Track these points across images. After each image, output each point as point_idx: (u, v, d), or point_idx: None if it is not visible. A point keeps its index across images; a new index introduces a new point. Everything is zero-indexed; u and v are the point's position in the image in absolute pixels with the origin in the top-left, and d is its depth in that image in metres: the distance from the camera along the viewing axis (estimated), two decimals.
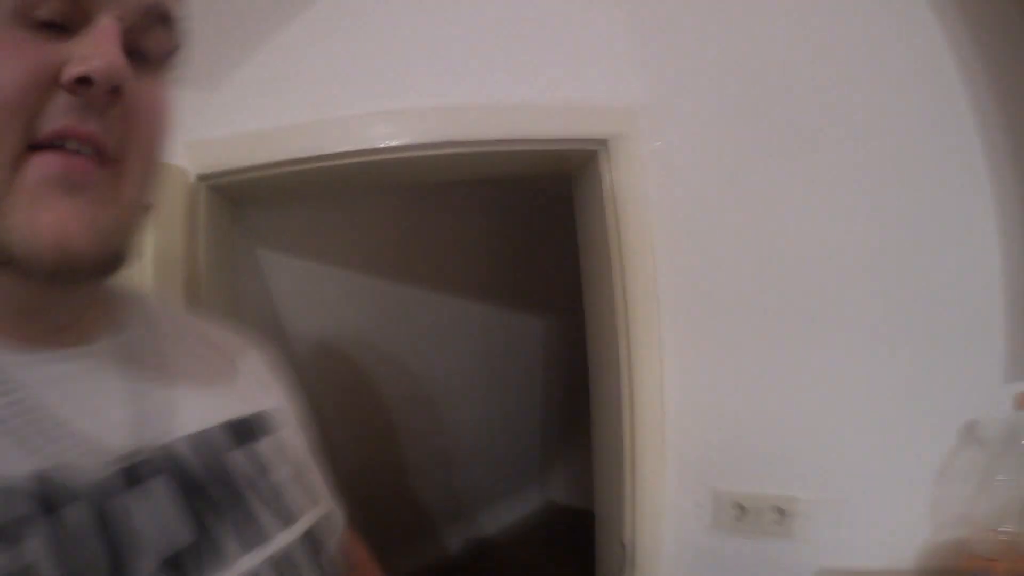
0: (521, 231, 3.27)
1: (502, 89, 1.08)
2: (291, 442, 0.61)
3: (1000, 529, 1.04)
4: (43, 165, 0.39)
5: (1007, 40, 1.05)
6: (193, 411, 0.52)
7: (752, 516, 1.24)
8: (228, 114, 0.94)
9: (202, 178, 0.97)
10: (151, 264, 0.91)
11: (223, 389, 0.58)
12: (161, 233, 0.91)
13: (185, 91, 0.87)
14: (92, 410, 0.45)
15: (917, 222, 1.13)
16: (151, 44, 0.45)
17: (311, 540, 0.54)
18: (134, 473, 0.44)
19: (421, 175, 1.34)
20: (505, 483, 3.56)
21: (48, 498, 0.38)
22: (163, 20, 0.45)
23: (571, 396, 3.37)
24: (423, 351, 2.92)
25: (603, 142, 1.20)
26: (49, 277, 0.40)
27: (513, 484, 3.63)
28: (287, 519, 0.52)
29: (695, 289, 1.22)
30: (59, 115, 0.39)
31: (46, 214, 0.38)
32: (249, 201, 1.09)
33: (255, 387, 0.62)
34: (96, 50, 0.39)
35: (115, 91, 0.40)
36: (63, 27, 0.40)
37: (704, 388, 1.24)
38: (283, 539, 0.51)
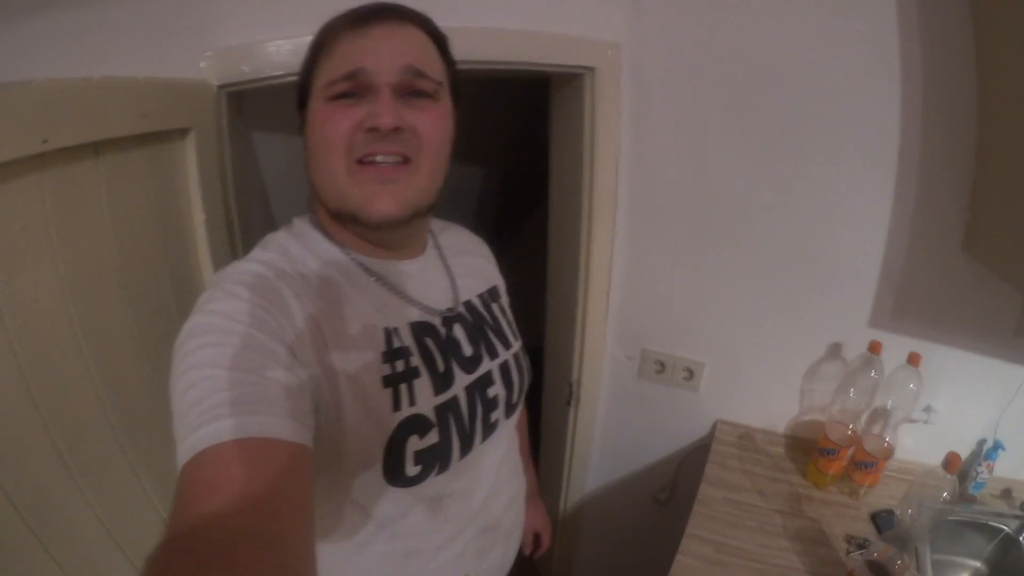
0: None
1: (504, 16, 1.19)
2: (505, 303, 0.99)
3: (849, 425, 1.30)
4: (364, 172, 0.70)
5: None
6: (468, 287, 0.89)
7: (669, 371, 1.55)
8: (246, 24, 1.05)
9: (223, 87, 1.07)
10: (195, 167, 1.03)
11: (478, 273, 0.95)
12: (199, 140, 1.02)
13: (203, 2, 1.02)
14: (424, 289, 0.81)
15: (825, 189, 1.25)
16: (420, 87, 0.71)
17: (516, 358, 0.91)
18: (449, 320, 0.82)
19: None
20: None
21: (418, 333, 0.76)
22: (418, 74, 0.70)
23: (497, 234, 3.46)
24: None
25: (590, 69, 1.31)
26: (376, 227, 0.71)
27: None
28: (506, 344, 0.89)
29: (647, 198, 1.41)
30: (366, 144, 0.69)
31: (369, 195, 0.70)
32: (252, 96, 1.18)
33: (490, 269, 1.00)
34: (377, 109, 0.68)
35: (395, 129, 0.68)
36: (355, 95, 0.69)
37: (643, 271, 1.49)
38: (504, 355, 0.88)
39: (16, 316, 0.69)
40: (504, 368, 0.87)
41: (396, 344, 0.73)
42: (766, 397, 1.49)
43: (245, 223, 1.22)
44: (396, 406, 0.70)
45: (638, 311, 1.55)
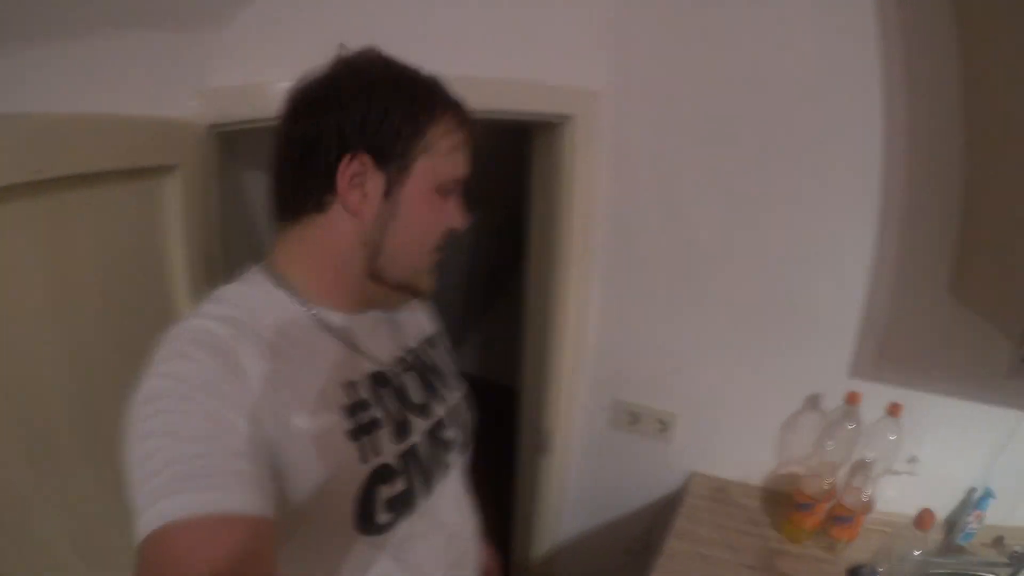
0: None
1: (482, 64, 1.23)
2: (444, 350, 1.02)
3: (825, 479, 1.30)
4: (436, 257, 0.80)
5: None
6: (411, 336, 0.93)
7: (642, 423, 1.56)
8: (237, 64, 1.08)
9: (213, 126, 1.09)
10: (180, 204, 1.06)
11: (416, 321, 0.98)
12: (186, 178, 1.05)
13: (195, 36, 1.01)
14: (375, 341, 0.83)
15: (805, 237, 1.29)
16: None
17: (463, 400, 0.95)
18: (400, 369, 0.84)
19: None
20: None
21: (375, 384, 0.78)
22: None
23: (491, 277, 3.59)
24: None
25: (568, 117, 1.37)
26: (417, 298, 0.84)
27: None
28: (452, 388, 0.94)
29: (624, 245, 1.45)
30: (444, 238, 0.79)
31: (430, 280, 0.81)
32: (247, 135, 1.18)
33: (423, 317, 1.02)
34: (460, 216, 0.79)
35: None
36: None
37: (618, 320, 1.52)
38: (452, 399, 0.92)
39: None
40: (454, 412, 0.91)
41: (356, 397, 0.75)
42: (742, 449, 1.50)
43: (230, 262, 1.23)
44: (363, 458, 0.71)
45: (612, 360, 1.57)
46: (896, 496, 1.32)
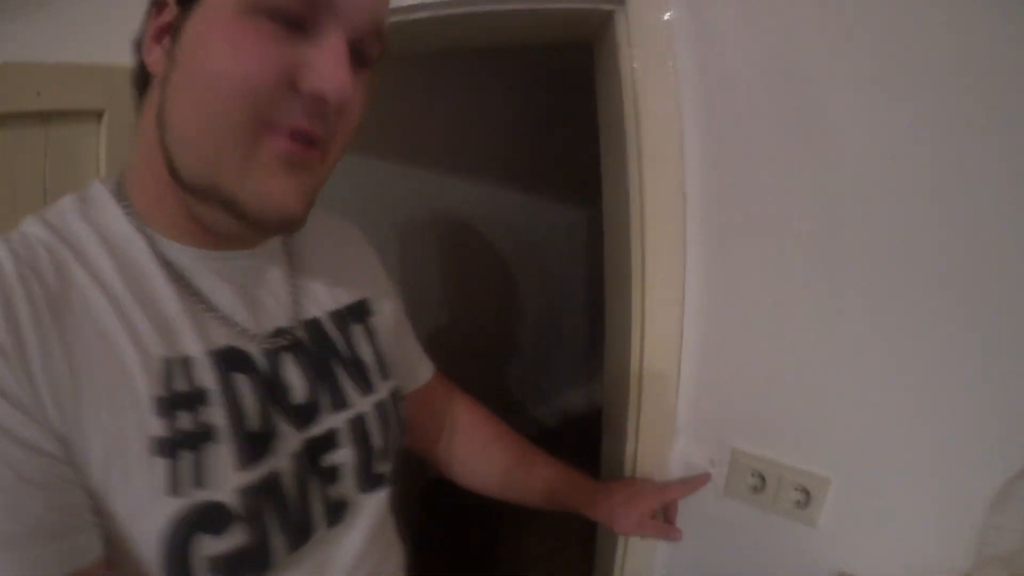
0: (547, 111, 2.89)
1: None
2: (380, 326, 0.74)
3: None
4: (276, 146, 0.49)
5: None
6: (318, 298, 0.67)
7: (772, 489, 1.06)
8: None
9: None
10: (105, 149, 1.03)
11: (337, 280, 0.71)
12: (112, 123, 1.01)
13: None
14: (246, 298, 0.59)
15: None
16: (368, 51, 0.52)
17: (381, 408, 0.67)
18: (276, 348, 0.59)
19: (432, 39, 1.21)
20: (549, 384, 3.45)
21: (225, 367, 0.54)
22: (380, 34, 0.53)
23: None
24: (462, 240, 2.75)
25: (620, 2, 0.94)
26: (266, 231, 0.55)
27: (556, 386, 3.48)
28: (365, 388, 0.67)
29: (729, 196, 0.98)
30: (296, 115, 0.49)
31: (274, 184, 0.50)
32: None
33: (361, 274, 0.76)
34: (333, 71, 0.47)
35: (340, 107, 0.50)
36: (293, 23, 0.47)
37: (732, 320, 1.04)
38: (361, 404, 0.65)
39: None
40: (358, 424, 0.65)
41: (182, 384, 0.51)
42: (922, 541, 0.97)
43: None
44: (174, 488, 0.48)
45: (724, 385, 1.09)
46: None
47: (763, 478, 1.08)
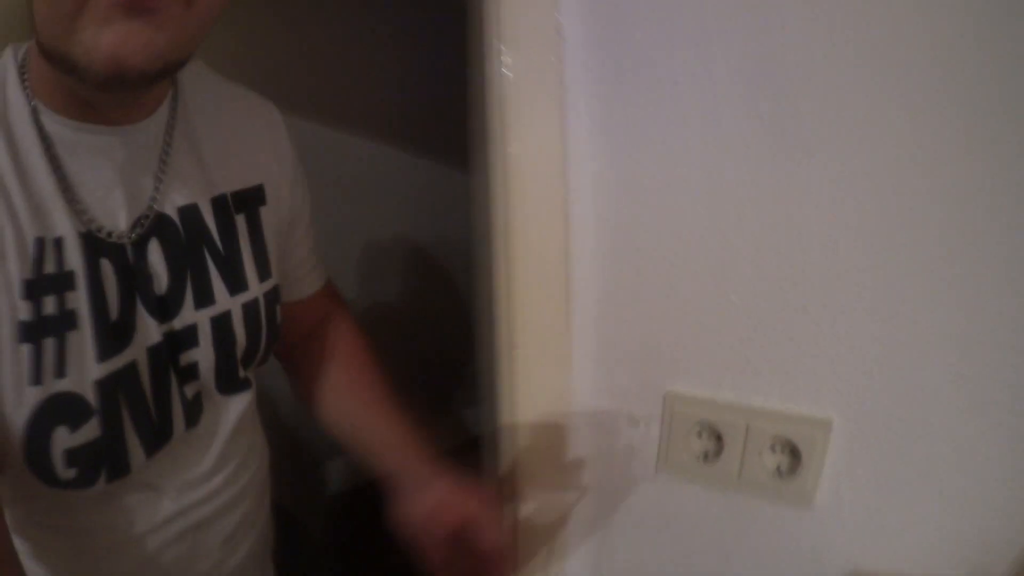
0: (439, 65, 2.31)
1: None
2: (269, 218, 0.68)
3: None
4: None
5: None
6: (196, 184, 0.62)
7: (734, 453, 0.64)
8: None
9: None
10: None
11: (229, 162, 0.65)
12: None
13: None
14: (119, 178, 0.55)
15: None
16: None
17: (250, 308, 0.64)
18: (147, 234, 0.57)
19: None
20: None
21: (91, 252, 0.53)
22: None
23: None
24: (342, 208, 2.24)
25: None
26: (101, 86, 0.47)
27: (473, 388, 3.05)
28: (236, 285, 0.64)
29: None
30: None
31: (109, 34, 0.44)
32: None
33: (262, 156, 0.69)
34: None
35: None
36: None
37: (648, 176, 0.57)
38: (228, 302, 0.63)
39: None
40: (222, 323, 0.62)
41: (50, 267, 0.50)
42: (952, 520, 0.55)
43: None
44: (37, 377, 0.48)
45: (644, 288, 0.63)
46: None
47: (718, 436, 0.64)
